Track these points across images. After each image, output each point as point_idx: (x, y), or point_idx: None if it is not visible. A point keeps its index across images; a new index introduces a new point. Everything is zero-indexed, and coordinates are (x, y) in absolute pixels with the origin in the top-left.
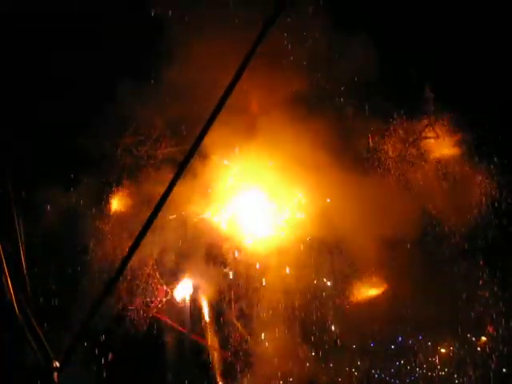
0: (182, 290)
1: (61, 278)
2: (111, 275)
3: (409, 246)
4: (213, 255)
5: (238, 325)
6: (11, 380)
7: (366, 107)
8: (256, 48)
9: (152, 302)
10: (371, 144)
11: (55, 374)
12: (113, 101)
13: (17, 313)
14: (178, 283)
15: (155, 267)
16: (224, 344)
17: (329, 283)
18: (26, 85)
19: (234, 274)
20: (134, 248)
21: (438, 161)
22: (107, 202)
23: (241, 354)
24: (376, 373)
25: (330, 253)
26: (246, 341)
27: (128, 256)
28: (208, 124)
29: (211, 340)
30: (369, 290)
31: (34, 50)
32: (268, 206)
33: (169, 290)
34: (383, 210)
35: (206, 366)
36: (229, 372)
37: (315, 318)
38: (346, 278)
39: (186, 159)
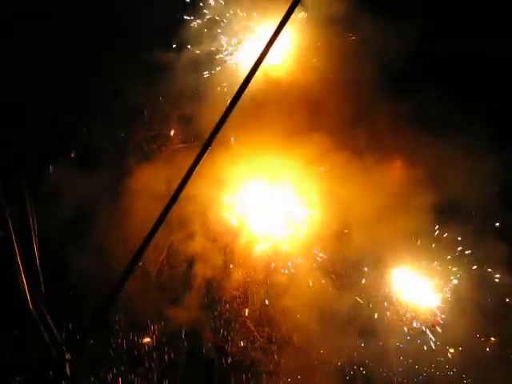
0: None
1: (73, 271)
2: (124, 268)
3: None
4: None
5: (250, 325)
6: (24, 372)
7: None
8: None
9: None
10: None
11: (67, 366)
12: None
13: (30, 306)
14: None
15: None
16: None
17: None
18: (36, 81)
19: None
20: (148, 239)
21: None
22: (121, 195)
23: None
24: (384, 372)
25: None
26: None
27: (142, 248)
28: (234, 99)
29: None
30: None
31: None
32: (284, 201)
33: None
34: (404, 202)
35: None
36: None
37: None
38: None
39: (205, 147)
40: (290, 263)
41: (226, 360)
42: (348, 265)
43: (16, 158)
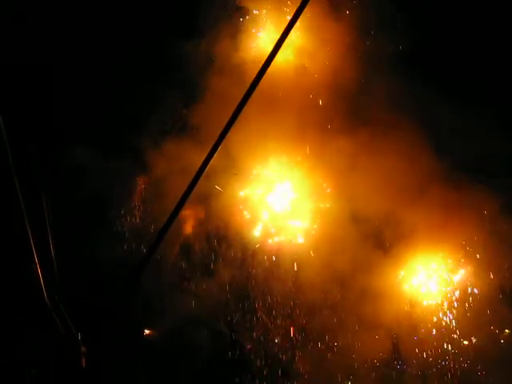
0: None
1: (89, 262)
2: (141, 258)
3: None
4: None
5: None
6: (39, 364)
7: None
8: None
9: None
10: None
11: (83, 358)
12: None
13: (45, 298)
14: None
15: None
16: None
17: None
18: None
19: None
20: (164, 231)
21: None
22: (137, 184)
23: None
24: (398, 364)
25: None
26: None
27: (159, 237)
28: (249, 91)
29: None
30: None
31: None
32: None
33: None
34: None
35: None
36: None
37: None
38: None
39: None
40: (304, 256)
41: (243, 353)
42: (364, 256)
43: (30, 146)
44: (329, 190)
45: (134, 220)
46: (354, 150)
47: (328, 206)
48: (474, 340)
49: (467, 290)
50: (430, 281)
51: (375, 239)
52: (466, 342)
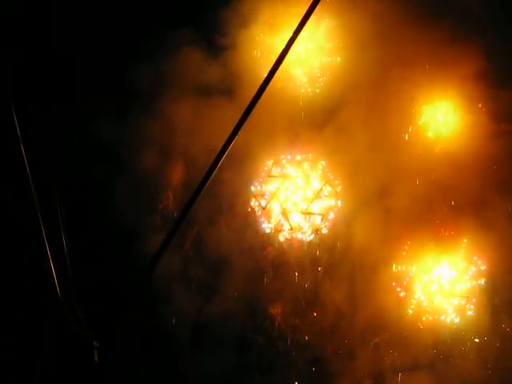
0: None
1: (102, 258)
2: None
3: None
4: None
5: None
6: (47, 357)
7: None
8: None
9: None
10: None
11: (95, 353)
12: None
13: (58, 293)
14: None
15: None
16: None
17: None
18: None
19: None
20: (176, 227)
21: None
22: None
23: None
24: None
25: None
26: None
27: (174, 229)
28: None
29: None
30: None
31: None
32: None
33: None
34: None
35: None
36: None
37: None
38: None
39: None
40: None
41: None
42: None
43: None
44: (340, 188)
45: (147, 213)
46: (368, 146)
47: (339, 203)
48: (485, 338)
49: (479, 288)
50: (444, 276)
51: (387, 234)
52: (477, 340)
